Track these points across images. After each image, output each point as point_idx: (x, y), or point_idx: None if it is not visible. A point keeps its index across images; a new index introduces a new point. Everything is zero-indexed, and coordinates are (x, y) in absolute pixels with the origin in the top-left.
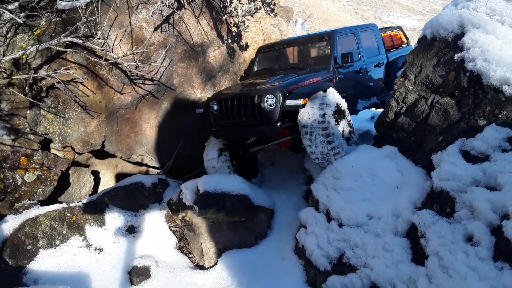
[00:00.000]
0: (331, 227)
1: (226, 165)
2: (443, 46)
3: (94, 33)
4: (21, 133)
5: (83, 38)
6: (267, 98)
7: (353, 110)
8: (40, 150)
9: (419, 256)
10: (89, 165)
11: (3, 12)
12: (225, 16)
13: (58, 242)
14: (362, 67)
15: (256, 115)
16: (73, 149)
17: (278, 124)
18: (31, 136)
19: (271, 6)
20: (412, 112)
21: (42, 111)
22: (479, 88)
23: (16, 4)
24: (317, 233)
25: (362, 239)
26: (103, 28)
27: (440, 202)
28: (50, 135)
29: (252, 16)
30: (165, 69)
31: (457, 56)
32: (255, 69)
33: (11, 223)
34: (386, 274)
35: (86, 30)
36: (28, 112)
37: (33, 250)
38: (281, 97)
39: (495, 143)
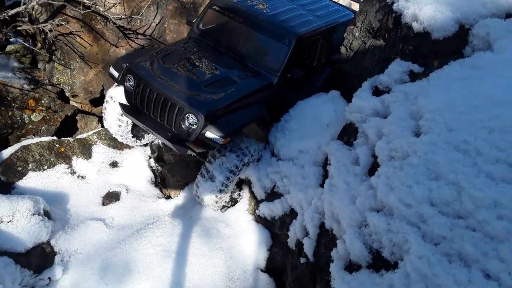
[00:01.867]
0: (271, 162)
1: None
2: None
3: None
4: (40, 83)
5: None
6: (188, 115)
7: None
8: (48, 88)
9: (324, 180)
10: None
11: None
12: None
13: (45, 167)
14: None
15: (172, 123)
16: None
17: (188, 146)
18: (49, 87)
19: None
20: (355, 58)
21: (55, 63)
22: (399, 27)
23: None
24: (260, 167)
25: (290, 170)
26: None
27: (348, 133)
28: (61, 85)
29: None
30: (157, 24)
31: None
32: (201, 26)
33: (10, 150)
34: (297, 197)
35: None
36: (46, 65)
37: (22, 171)
38: (203, 122)
39: (396, 76)
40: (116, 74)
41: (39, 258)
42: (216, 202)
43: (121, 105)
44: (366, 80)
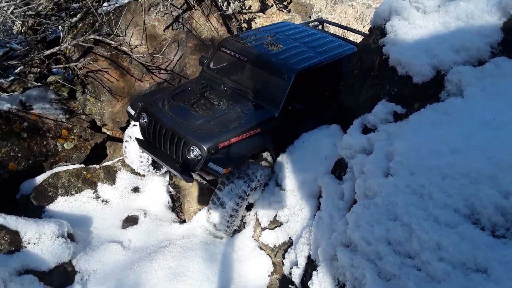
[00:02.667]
0: (274, 191)
1: None
2: (378, 33)
3: (115, 32)
4: (75, 113)
5: (105, 36)
6: (192, 148)
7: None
8: (79, 126)
9: None
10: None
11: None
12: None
13: (73, 192)
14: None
15: (179, 155)
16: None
17: (194, 176)
18: (82, 116)
19: (284, 3)
20: (354, 93)
21: (87, 95)
22: (387, 70)
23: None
24: (264, 196)
25: (290, 201)
26: (121, 27)
27: (339, 168)
28: (92, 115)
29: (263, 13)
30: (178, 60)
31: (380, 42)
32: (211, 65)
33: (42, 176)
34: (294, 228)
35: (108, 29)
36: (81, 96)
37: (52, 196)
38: (206, 154)
39: (382, 116)
40: (132, 112)
41: (61, 277)
42: (227, 227)
43: (137, 140)
44: (357, 118)
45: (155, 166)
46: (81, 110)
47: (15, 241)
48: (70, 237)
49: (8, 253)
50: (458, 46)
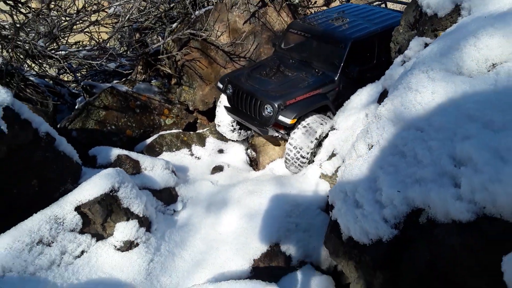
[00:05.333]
0: (332, 133)
1: None
2: None
3: (205, 27)
4: (172, 103)
5: (197, 30)
6: (266, 106)
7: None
8: (177, 105)
9: None
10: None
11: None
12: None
13: (174, 149)
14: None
15: (257, 114)
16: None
17: (270, 127)
18: (178, 105)
19: None
20: (400, 49)
21: (182, 86)
22: (421, 17)
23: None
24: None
25: (343, 136)
26: (210, 23)
27: (382, 98)
28: (186, 101)
29: (327, 6)
30: (254, 49)
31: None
32: (282, 45)
33: (152, 138)
34: (345, 151)
35: (200, 25)
36: (177, 89)
37: (159, 151)
38: (276, 109)
39: (416, 49)
40: (221, 86)
41: (167, 196)
42: (301, 167)
43: (225, 107)
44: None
45: (237, 129)
46: (177, 100)
47: (136, 167)
48: (173, 172)
49: (131, 174)
50: None
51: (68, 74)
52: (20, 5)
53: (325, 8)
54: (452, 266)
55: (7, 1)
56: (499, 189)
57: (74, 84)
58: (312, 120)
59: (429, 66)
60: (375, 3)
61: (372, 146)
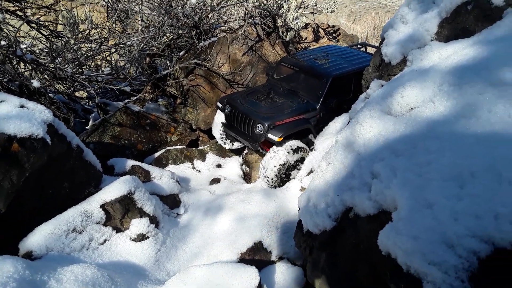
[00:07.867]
0: (311, 154)
1: None
2: (382, 42)
3: (209, 58)
4: (177, 121)
5: (202, 60)
6: (258, 125)
7: None
8: (182, 124)
9: None
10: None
11: (174, 55)
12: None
13: (178, 163)
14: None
15: (249, 131)
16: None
17: (260, 143)
18: (183, 124)
19: (333, 35)
20: (367, 82)
21: (187, 107)
22: (382, 62)
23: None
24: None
25: (319, 157)
26: (213, 54)
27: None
28: (190, 121)
29: (317, 42)
30: (251, 78)
31: (381, 46)
32: (274, 75)
33: (159, 152)
34: None
35: (204, 56)
36: (182, 110)
37: (165, 163)
38: (266, 128)
39: (374, 88)
40: (220, 105)
41: (172, 201)
42: (268, 183)
43: (223, 123)
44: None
45: (229, 139)
46: (182, 119)
47: (146, 176)
48: (178, 181)
49: (143, 182)
50: (415, 38)
51: (81, 91)
52: (42, 28)
53: (314, 43)
54: (368, 244)
55: (31, 24)
56: (388, 192)
57: (86, 100)
58: (284, 148)
59: (373, 106)
60: (355, 47)
61: (329, 164)
